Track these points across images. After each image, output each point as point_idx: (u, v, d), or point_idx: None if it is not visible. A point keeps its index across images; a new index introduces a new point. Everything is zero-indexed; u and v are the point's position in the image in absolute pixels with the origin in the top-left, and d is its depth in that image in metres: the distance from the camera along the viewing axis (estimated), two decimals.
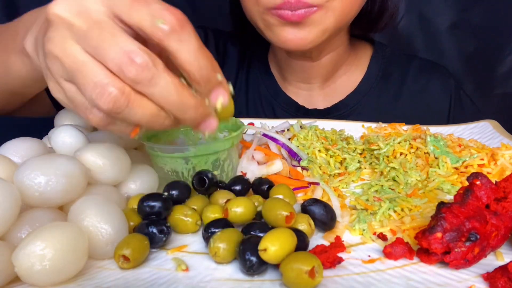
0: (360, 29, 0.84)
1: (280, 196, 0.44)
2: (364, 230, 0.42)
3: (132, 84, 0.33)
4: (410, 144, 0.57)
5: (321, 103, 0.87)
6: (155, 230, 0.39)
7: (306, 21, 0.66)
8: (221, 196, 0.46)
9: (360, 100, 0.86)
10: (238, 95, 0.91)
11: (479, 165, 0.53)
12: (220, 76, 0.37)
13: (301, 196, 0.50)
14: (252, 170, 0.54)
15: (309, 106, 0.86)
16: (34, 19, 0.47)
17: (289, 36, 0.68)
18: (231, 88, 0.39)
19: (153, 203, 0.42)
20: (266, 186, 0.48)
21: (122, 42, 0.33)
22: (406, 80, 0.88)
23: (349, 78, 0.88)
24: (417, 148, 0.57)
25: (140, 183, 0.49)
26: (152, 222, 0.40)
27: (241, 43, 0.92)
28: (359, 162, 0.58)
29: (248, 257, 0.35)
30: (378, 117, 0.74)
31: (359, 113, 0.85)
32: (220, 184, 0.49)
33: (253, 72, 0.91)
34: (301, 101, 0.87)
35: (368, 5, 0.78)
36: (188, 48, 0.34)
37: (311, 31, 0.67)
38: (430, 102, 0.87)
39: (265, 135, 0.59)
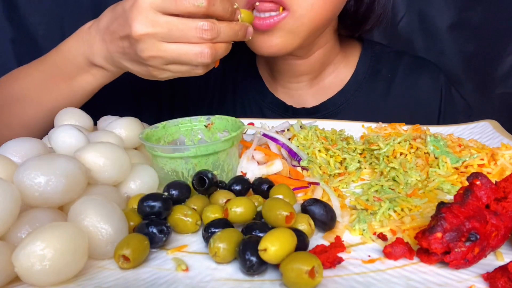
0: (345, 30, 0.84)
1: (280, 196, 0.44)
2: (364, 230, 0.42)
3: (211, 41, 0.52)
4: (410, 144, 0.57)
5: (310, 102, 0.86)
6: (155, 230, 0.39)
7: (275, 28, 0.66)
8: (221, 196, 0.46)
9: (348, 98, 0.85)
10: (225, 95, 0.91)
11: (479, 165, 0.53)
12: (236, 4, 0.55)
13: (301, 196, 0.50)
14: (252, 170, 0.54)
15: (297, 105, 0.86)
16: (81, 44, 0.62)
17: (261, 44, 0.69)
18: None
19: (153, 203, 0.42)
20: (266, 186, 0.48)
21: (189, 23, 0.51)
22: (396, 77, 0.87)
23: (338, 76, 0.88)
24: (417, 148, 0.57)
25: (140, 183, 0.49)
26: (152, 222, 0.40)
27: None
28: (359, 162, 0.58)
29: (248, 257, 0.35)
30: (368, 115, 0.74)
31: (348, 111, 0.84)
32: (220, 184, 0.49)
33: (240, 72, 0.91)
34: (289, 101, 0.87)
35: (352, 6, 0.78)
36: (219, 7, 0.51)
37: (281, 37, 0.68)
38: (420, 99, 0.86)
39: (265, 135, 0.59)
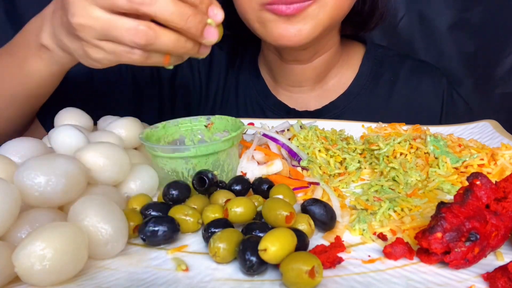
0: (351, 28, 0.84)
1: (280, 196, 0.44)
2: (364, 230, 0.42)
3: (138, 6, 0.42)
4: (410, 144, 0.57)
5: (312, 105, 0.87)
6: (168, 227, 0.40)
7: (300, 15, 0.65)
8: (221, 196, 0.46)
9: (351, 101, 0.86)
10: (227, 98, 0.90)
11: (479, 165, 0.53)
12: None
13: (301, 196, 0.50)
14: (252, 170, 0.54)
15: (300, 108, 0.86)
16: (40, 21, 0.56)
17: (282, 32, 0.67)
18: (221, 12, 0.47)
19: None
20: (266, 186, 0.48)
21: None
22: (398, 80, 0.87)
23: (340, 79, 0.88)
24: (417, 148, 0.57)
25: (140, 183, 0.49)
26: (163, 219, 0.40)
27: (230, 45, 0.92)
28: (359, 162, 0.58)
29: (248, 257, 0.35)
30: (370, 117, 0.74)
31: (350, 114, 0.84)
32: (220, 184, 0.49)
33: (243, 75, 0.91)
34: (292, 104, 0.87)
35: (359, 4, 0.78)
36: None
37: (305, 25, 0.67)
38: (422, 102, 0.87)
39: (265, 135, 0.59)
